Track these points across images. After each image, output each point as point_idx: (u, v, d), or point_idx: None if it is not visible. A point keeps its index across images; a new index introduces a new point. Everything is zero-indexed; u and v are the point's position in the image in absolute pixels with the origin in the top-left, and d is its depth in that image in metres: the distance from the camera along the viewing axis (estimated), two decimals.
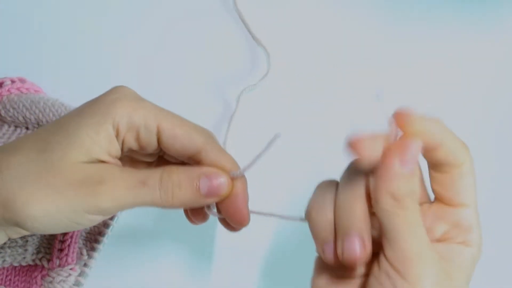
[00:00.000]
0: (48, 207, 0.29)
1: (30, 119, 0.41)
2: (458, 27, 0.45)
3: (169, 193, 0.31)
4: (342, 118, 0.39)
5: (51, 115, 0.41)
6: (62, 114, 0.40)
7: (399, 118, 0.28)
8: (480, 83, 0.44)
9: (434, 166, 0.30)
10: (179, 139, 0.32)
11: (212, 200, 0.32)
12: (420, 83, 0.43)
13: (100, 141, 0.30)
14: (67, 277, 0.38)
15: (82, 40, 0.46)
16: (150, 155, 0.34)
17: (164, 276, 0.40)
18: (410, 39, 0.45)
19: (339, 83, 0.44)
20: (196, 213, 0.34)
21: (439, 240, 0.29)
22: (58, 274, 0.38)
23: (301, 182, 0.35)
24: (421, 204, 0.29)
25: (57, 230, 0.31)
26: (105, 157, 0.31)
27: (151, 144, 0.32)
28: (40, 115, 0.41)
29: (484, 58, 0.44)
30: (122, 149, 0.32)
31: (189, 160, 0.33)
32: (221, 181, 0.31)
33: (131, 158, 0.34)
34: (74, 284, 0.38)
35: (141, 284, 0.40)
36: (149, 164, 0.35)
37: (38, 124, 0.41)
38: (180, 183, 0.31)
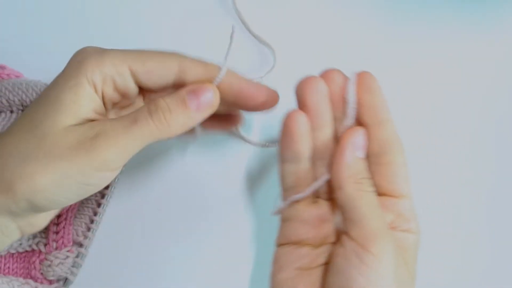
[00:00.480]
0: (54, 174, 0.29)
1: (14, 101, 0.39)
2: (458, 27, 0.45)
3: (162, 120, 0.31)
4: None
5: (34, 94, 0.39)
6: None
7: (363, 82, 0.32)
8: (480, 83, 0.44)
9: (377, 155, 0.33)
10: (154, 72, 0.32)
11: (206, 113, 0.32)
12: (420, 83, 0.43)
13: (81, 101, 0.31)
14: (65, 259, 0.37)
15: (73, 37, 0.44)
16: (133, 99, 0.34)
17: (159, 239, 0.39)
18: (410, 39, 0.45)
19: None
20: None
21: None
22: (56, 257, 0.37)
23: None
24: None
25: (71, 197, 0.30)
26: (92, 115, 0.31)
27: (130, 88, 0.32)
28: (24, 96, 0.39)
29: (484, 58, 0.44)
30: (105, 105, 0.32)
31: (175, 89, 0.32)
32: (206, 92, 0.32)
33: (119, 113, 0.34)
34: (72, 266, 0.37)
35: (139, 259, 0.39)
36: None
37: (22, 105, 0.40)
38: (169, 106, 0.31)
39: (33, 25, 0.44)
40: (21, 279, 0.36)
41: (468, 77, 0.44)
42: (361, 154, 0.32)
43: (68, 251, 0.37)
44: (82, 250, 0.38)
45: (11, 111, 0.39)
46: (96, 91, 0.31)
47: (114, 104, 0.33)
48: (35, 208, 0.30)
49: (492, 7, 0.45)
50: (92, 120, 0.31)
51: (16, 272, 0.38)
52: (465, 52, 0.44)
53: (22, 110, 0.39)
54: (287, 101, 0.41)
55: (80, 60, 0.31)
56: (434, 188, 0.41)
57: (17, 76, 0.41)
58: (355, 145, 0.31)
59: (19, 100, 0.39)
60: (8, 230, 0.31)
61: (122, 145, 0.30)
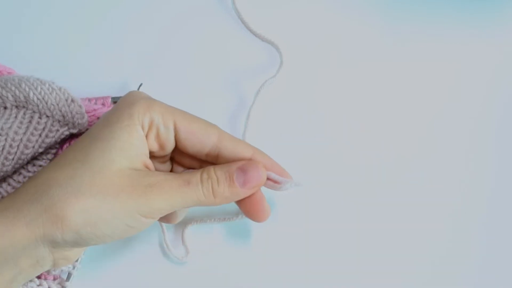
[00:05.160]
0: (107, 212, 0.31)
1: (7, 97, 0.39)
2: (459, 27, 0.44)
3: (209, 189, 0.33)
4: (353, 112, 0.42)
5: (27, 89, 0.39)
6: (39, 88, 0.39)
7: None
8: (481, 83, 0.43)
9: None
10: (195, 135, 0.34)
11: (249, 191, 0.34)
12: (421, 83, 0.43)
13: (134, 142, 0.32)
14: None
15: (66, 33, 0.44)
16: (165, 162, 0.36)
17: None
18: (411, 38, 0.44)
19: (342, 77, 0.43)
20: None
21: None
22: None
23: (316, 172, 0.37)
24: None
25: (113, 236, 0.32)
26: (143, 158, 0.33)
27: (169, 141, 0.34)
28: (17, 91, 0.39)
29: (485, 58, 0.43)
30: None
31: (207, 158, 0.35)
32: (255, 171, 0.34)
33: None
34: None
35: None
36: None
37: (15, 101, 0.39)
38: (218, 179, 0.33)
39: (24, 22, 0.44)
40: None
41: (469, 77, 0.43)
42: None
43: None
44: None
45: (5, 107, 0.39)
46: (144, 134, 0.33)
47: (150, 154, 0.35)
48: (79, 242, 0.31)
49: (493, 7, 0.44)
50: (144, 165, 0.33)
51: None
52: (466, 52, 0.43)
53: (16, 107, 0.39)
54: (293, 99, 0.42)
55: (132, 101, 0.33)
56: (432, 188, 0.41)
57: (9, 73, 0.41)
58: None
59: (12, 96, 0.38)
60: (44, 262, 0.32)
61: (172, 200, 0.32)
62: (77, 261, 0.38)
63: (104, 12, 0.44)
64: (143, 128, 0.33)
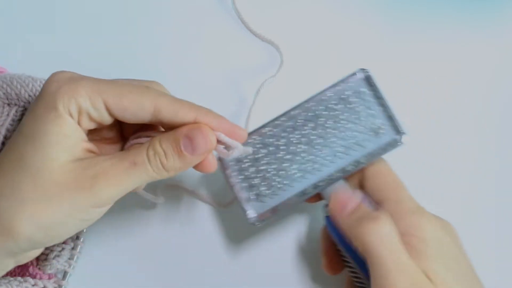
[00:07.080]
0: (55, 214, 0.30)
1: None
2: (459, 27, 0.44)
3: (159, 165, 0.31)
4: None
5: (18, 86, 0.38)
6: (30, 85, 0.38)
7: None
8: (481, 83, 0.43)
9: None
10: (128, 110, 0.31)
11: (201, 157, 0.32)
12: (421, 82, 0.43)
13: (67, 132, 0.30)
14: (60, 251, 0.36)
15: (61, 32, 0.44)
16: (112, 130, 0.34)
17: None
18: (412, 38, 0.44)
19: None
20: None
21: None
22: (51, 250, 0.36)
23: None
24: None
25: (71, 231, 0.31)
26: (81, 145, 0.31)
27: (105, 119, 0.32)
28: (8, 89, 0.39)
29: (485, 58, 0.44)
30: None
31: (151, 122, 0.32)
32: (201, 137, 0.31)
33: (98, 140, 0.34)
34: (69, 258, 0.37)
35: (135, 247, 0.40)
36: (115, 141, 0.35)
37: (7, 98, 0.39)
38: (165, 152, 0.31)
39: (20, 21, 0.43)
40: (19, 278, 0.35)
41: (469, 77, 0.43)
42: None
43: (63, 243, 0.36)
44: (79, 241, 0.37)
45: None
46: (75, 121, 0.31)
47: (94, 130, 0.33)
48: (37, 245, 0.31)
49: (493, 7, 0.44)
50: (86, 150, 0.31)
51: (14, 271, 0.37)
52: (466, 53, 0.44)
53: (8, 104, 0.38)
54: (293, 99, 0.41)
55: (54, 90, 0.31)
56: (432, 188, 0.41)
57: (1, 72, 0.41)
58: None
59: (4, 93, 0.38)
60: (4, 265, 0.31)
61: (120, 185, 0.31)
62: (73, 259, 0.38)
63: (104, 12, 0.44)
64: (72, 116, 0.31)
